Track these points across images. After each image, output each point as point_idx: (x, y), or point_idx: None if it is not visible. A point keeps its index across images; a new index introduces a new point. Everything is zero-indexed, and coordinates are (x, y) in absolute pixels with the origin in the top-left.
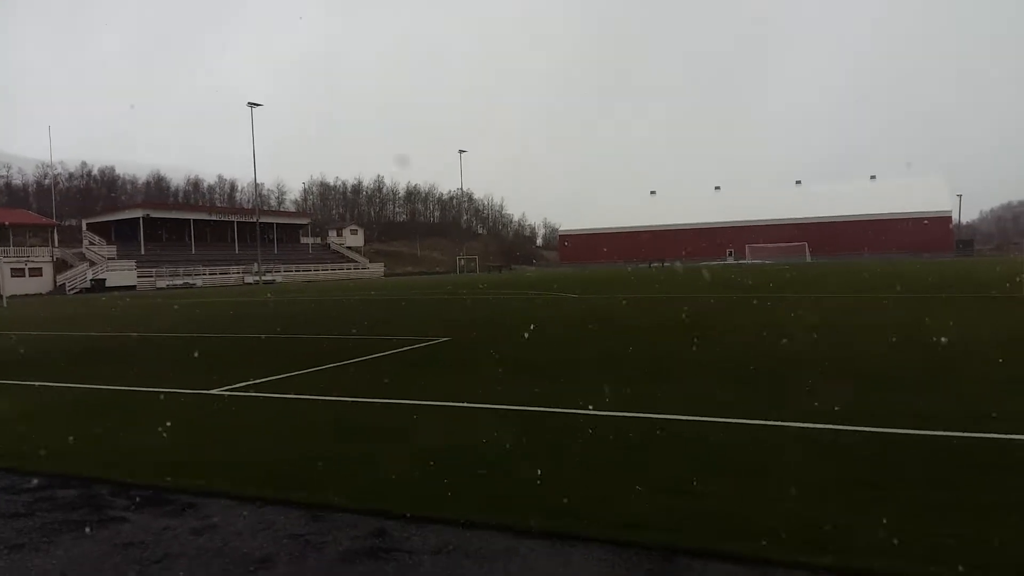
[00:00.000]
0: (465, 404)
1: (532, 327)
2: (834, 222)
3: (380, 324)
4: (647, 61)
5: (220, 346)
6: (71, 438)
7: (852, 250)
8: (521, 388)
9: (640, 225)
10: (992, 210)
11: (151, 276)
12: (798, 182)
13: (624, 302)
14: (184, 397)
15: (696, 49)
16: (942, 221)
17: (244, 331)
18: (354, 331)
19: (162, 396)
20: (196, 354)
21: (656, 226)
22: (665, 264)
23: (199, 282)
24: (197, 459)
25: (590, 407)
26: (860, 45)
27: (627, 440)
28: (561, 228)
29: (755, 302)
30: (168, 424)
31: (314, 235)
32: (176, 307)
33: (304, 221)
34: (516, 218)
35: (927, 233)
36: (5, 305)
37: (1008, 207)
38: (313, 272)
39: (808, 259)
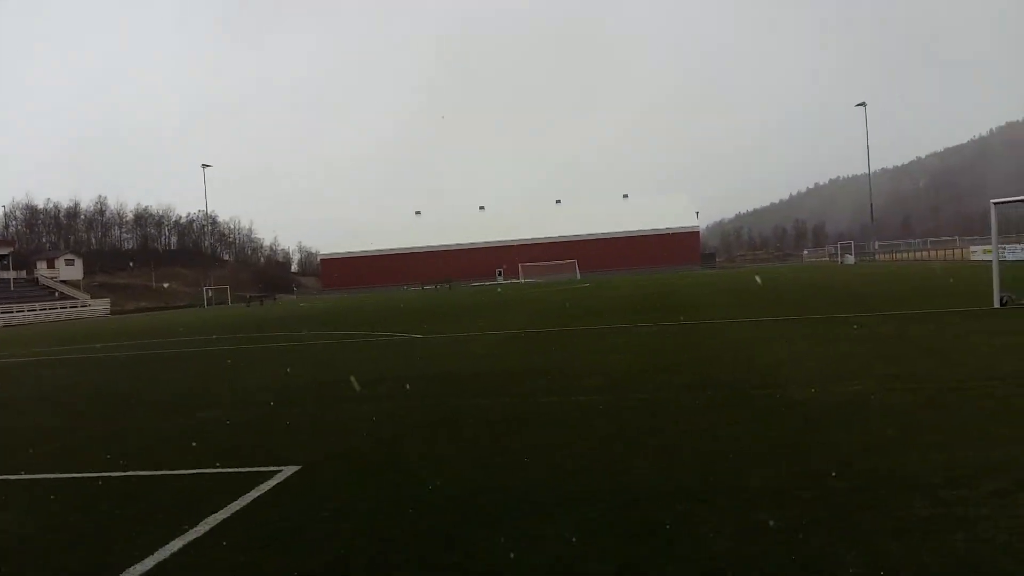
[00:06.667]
0: None
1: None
2: (597, 239)
3: (134, 422)
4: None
5: None
6: None
7: (614, 266)
8: None
9: (405, 247)
10: (708, 227)
11: None
12: (558, 201)
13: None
14: None
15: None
16: (692, 236)
17: None
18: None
19: None
20: None
21: (423, 247)
22: (449, 285)
23: None
24: None
25: None
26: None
27: None
28: (321, 253)
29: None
30: None
31: (17, 268)
32: None
33: (5, 251)
34: (267, 243)
35: (679, 247)
36: None
37: (720, 224)
38: (16, 313)
39: (578, 276)
